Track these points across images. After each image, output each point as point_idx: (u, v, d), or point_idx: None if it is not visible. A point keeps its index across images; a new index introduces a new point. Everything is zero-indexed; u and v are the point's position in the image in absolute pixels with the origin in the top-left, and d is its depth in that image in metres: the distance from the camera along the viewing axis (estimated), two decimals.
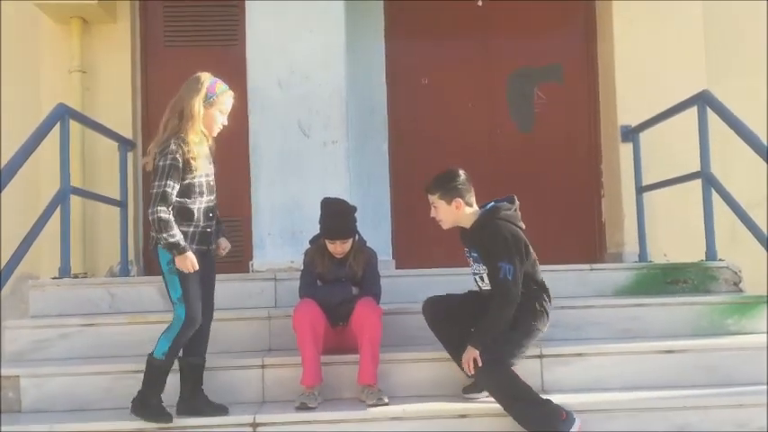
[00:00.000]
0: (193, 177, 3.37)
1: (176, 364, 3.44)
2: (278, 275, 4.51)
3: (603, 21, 5.92)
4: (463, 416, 3.49)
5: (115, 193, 5.33)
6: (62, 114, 4.50)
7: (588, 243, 5.95)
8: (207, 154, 3.47)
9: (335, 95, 4.84)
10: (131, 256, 5.51)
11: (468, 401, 3.62)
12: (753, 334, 4.09)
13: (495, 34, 6.04)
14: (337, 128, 4.83)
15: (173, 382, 3.43)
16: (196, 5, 5.98)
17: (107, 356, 3.93)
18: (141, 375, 3.52)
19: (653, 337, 4.04)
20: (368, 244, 4.00)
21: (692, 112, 4.67)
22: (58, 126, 4.47)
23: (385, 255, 5.29)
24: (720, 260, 4.64)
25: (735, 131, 4.29)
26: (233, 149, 5.46)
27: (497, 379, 3.40)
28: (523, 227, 3.60)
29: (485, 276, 3.57)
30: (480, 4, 6.02)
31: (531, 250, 3.57)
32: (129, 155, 5.52)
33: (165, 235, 3.24)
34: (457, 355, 3.67)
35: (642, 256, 5.26)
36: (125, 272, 5.31)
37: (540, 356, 3.77)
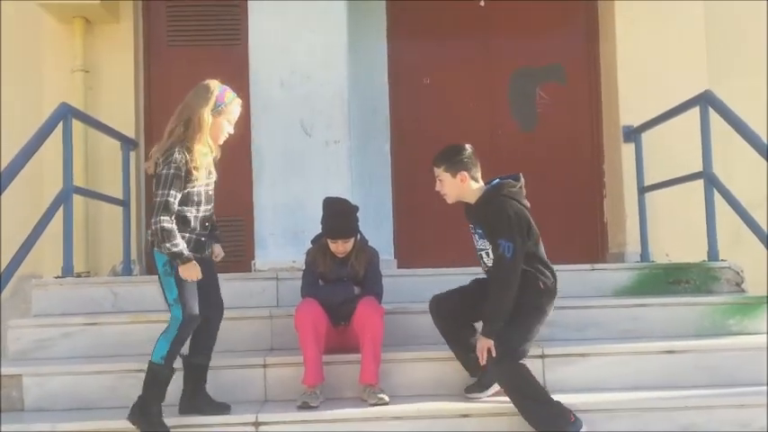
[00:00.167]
0: (193, 186, 3.35)
1: (180, 362, 3.43)
2: (280, 275, 4.51)
3: (605, 21, 5.92)
4: (465, 415, 3.50)
5: (118, 193, 5.33)
6: (65, 114, 4.51)
7: (590, 243, 5.95)
8: (210, 164, 3.44)
9: (337, 95, 4.85)
10: (134, 255, 5.52)
11: (469, 401, 3.62)
12: (755, 334, 4.09)
13: (496, 34, 6.04)
14: (339, 127, 4.83)
15: (176, 379, 3.42)
16: (198, 5, 5.99)
17: (109, 356, 3.94)
18: (144, 375, 3.53)
19: (655, 338, 4.04)
20: (370, 243, 4.00)
21: (695, 112, 4.67)
22: (60, 125, 4.48)
23: (387, 254, 5.29)
24: (722, 260, 4.64)
25: (737, 131, 4.29)
26: (235, 149, 5.46)
27: (511, 374, 3.38)
28: (528, 205, 3.57)
29: (490, 252, 3.53)
30: (482, 4, 6.02)
31: (535, 229, 3.53)
32: (132, 154, 5.52)
33: (168, 245, 3.23)
34: (462, 355, 3.67)
35: (644, 256, 5.26)
36: (128, 271, 5.32)
37: (542, 356, 3.77)
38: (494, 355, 3.37)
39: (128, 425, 3.29)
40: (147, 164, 3.48)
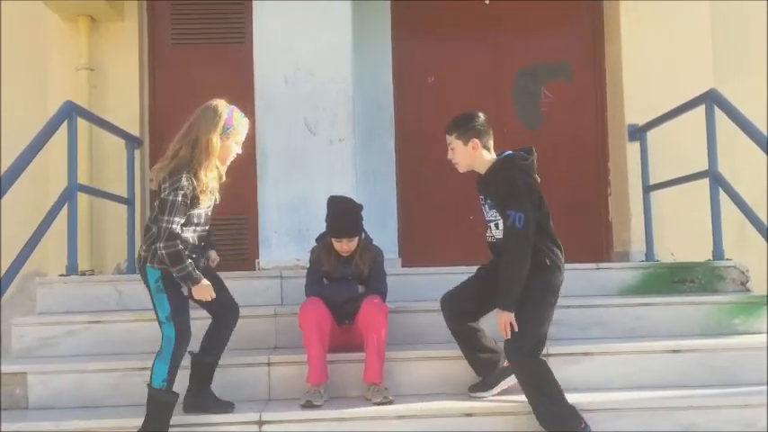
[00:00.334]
0: (195, 209, 3.32)
1: (187, 359, 3.41)
2: (284, 273, 4.51)
3: (611, 20, 5.91)
4: (469, 414, 3.49)
5: (122, 191, 5.34)
6: (70, 112, 4.52)
7: (595, 242, 5.94)
8: (215, 188, 3.39)
9: (342, 93, 4.84)
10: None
11: (474, 400, 3.62)
12: (760, 334, 4.08)
13: (501, 33, 6.03)
14: (344, 126, 4.83)
15: (182, 376, 3.40)
16: (203, 4, 5.99)
17: (114, 353, 3.94)
18: (148, 372, 3.53)
19: (659, 337, 4.03)
20: (374, 242, 4.00)
21: (700, 111, 4.66)
22: (65, 123, 4.48)
23: (391, 253, 5.29)
24: (728, 260, 4.62)
25: (743, 130, 4.27)
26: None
27: (533, 369, 3.36)
28: (539, 179, 3.51)
29: (500, 224, 3.46)
30: (487, 2, 6.01)
31: (546, 203, 3.47)
32: (137, 152, 5.53)
33: (176, 269, 3.22)
34: (470, 354, 3.65)
35: (649, 255, 5.24)
36: (132, 269, 5.31)
37: (546, 355, 3.73)
38: (515, 329, 3.32)
39: (132, 422, 3.28)
40: (150, 181, 3.43)
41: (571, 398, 3.43)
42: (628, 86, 5.67)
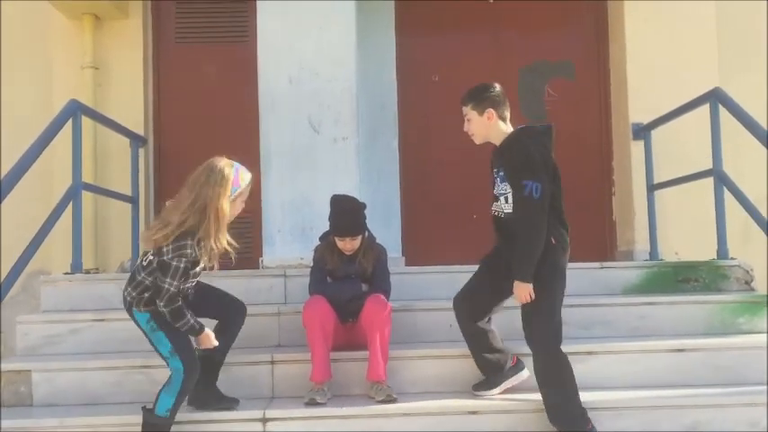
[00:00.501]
0: (193, 269, 3.31)
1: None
2: (288, 272, 4.51)
3: (615, 18, 5.89)
4: (473, 412, 3.49)
5: (126, 189, 5.35)
6: (74, 110, 4.52)
7: (599, 241, 5.93)
8: (216, 254, 3.34)
9: (346, 92, 4.84)
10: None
11: (478, 398, 3.62)
12: (765, 333, 4.06)
13: (505, 32, 6.02)
14: (348, 124, 4.83)
15: None
16: (207, 2, 5.99)
17: (117, 351, 3.95)
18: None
19: (663, 336, 4.03)
20: (377, 241, 4.00)
21: (704, 109, 4.64)
22: (70, 122, 4.49)
23: (395, 251, 5.29)
24: (732, 259, 4.61)
25: (747, 129, 4.26)
26: (243, 146, 5.50)
27: (553, 361, 3.33)
28: (553, 157, 3.44)
29: (509, 197, 3.41)
30: (491, 0, 6.00)
31: (560, 180, 3.41)
32: (141, 151, 5.54)
33: (180, 324, 3.26)
34: (478, 354, 3.64)
35: (653, 254, 5.23)
36: None
37: None
38: (532, 297, 3.29)
39: (135, 420, 3.29)
40: (144, 242, 3.35)
41: None
42: (632, 85, 5.66)
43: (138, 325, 3.35)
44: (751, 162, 5.30)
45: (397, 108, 5.83)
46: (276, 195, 4.80)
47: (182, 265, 3.21)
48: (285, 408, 3.53)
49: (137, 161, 5.42)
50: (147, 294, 3.29)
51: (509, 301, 3.59)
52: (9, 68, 5.87)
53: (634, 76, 5.68)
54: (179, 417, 3.34)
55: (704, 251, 4.76)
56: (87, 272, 4.90)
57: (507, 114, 3.54)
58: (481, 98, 3.51)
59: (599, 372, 3.75)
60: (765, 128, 4.25)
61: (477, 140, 3.59)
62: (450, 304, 4.02)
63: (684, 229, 5.38)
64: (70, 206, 4.48)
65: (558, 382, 3.33)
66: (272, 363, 3.79)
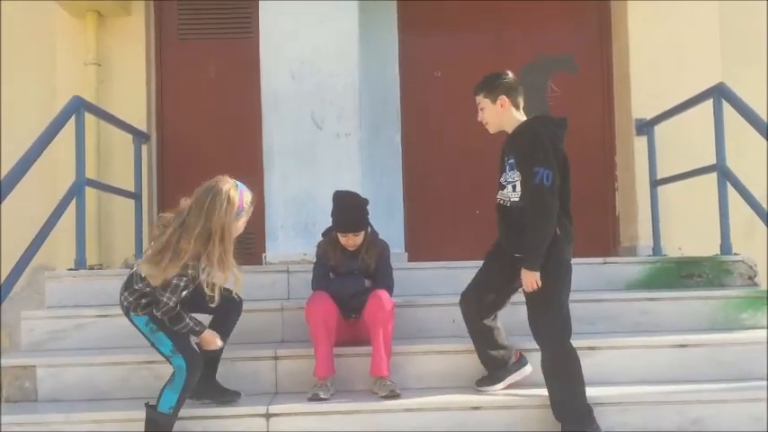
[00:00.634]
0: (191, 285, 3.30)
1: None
2: (291, 267, 4.52)
3: (619, 12, 5.88)
4: (476, 408, 3.49)
5: (130, 186, 5.36)
6: (77, 107, 4.53)
7: (602, 236, 5.93)
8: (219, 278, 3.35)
9: (349, 87, 4.84)
10: (146, 247, 5.54)
11: (481, 394, 3.62)
12: (765, 329, 4.06)
13: (508, 27, 6.01)
14: (350, 119, 4.83)
15: None
16: None
17: (122, 347, 3.95)
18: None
19: (666, 332, 4.02)
20: (380, 236, 4.00)
21: (708, 105, 4.64)
22: (73, 118, 4.50)
23: (397, 247, 5.30)
24: (735, 254, 4.61)
25: (751, 124, 4.25)
26: (246, 141, 5.52)
27: (562, 356, 3.32)
28: (564, 149, 3.41)
29: (517, 185, 3.38)
30: None
31: (569, 168, 3.38)
32: (144, 147, 5.56)
33: (178, 327, 3.28)
34: (483, 351, 3.63)
35: (656, 249, 5.23)
36: None
37: None
38: (539, 284, 3.28)
39: (140, 415, 3.30)
40: (154, 277, 3.23)
41: None
42: (635, 79, 5.65)
43: (137, 327, 3.37)
44: (754, 158, 5.29)
45: (400, 103, 5.82)
46: (279, 191, 4.80)
47: (182, 284, 3.22)
48: (288, 403, 3.53)
49: (140, 157, 5.43)
50: (144, 300, 3.30)
51: (515, 297, 3.59)
52: (11, 66, 5.88)
53: (637, 70, 5.66)
54: (182, 413, 3.34)
55: (707, 246, 4.75)
56: (91, 268, 4.91)
57: (521, 102, 3.51)
58: (493, 86, 3.48)
59: (602, 367, 3.75)
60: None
61: (492, 129, 3.56)
62: (454, 300, 4.02)
63: (688, 224, 5.38)
64: (74, 202, 4.50)
65: (565, 377, 3.32)
66: (276, 358, 3.80)
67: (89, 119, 4.85)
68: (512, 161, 3.44)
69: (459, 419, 3.48)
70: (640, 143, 5.48)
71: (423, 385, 3.75)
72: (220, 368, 3.59)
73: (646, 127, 5.39)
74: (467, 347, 3.76)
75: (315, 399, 3.52)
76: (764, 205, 4.39)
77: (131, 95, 5.75)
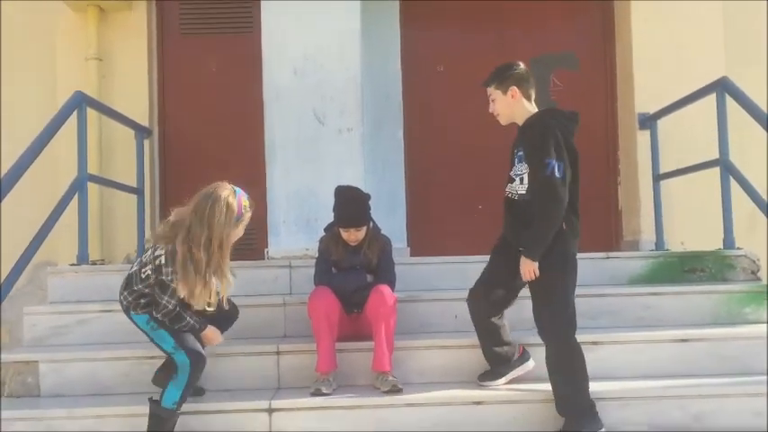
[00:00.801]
0: None
1: None
2: (293, 263, 4.52)
3: (622, 12, 5.85)
4: (478, 403, 3.50)
5: (132, 181, 5.36)
6: (79, 102, 4.53)
7: (604, 231, 5.92)
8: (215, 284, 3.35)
9: (351, 82, 4.84)
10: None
11: (483, 389, 3.62)
12: (765, 323, 4.05)
13: (510, 25, 5.99)
14: (352, 115, 4.82)
15: None
16: None
17: (124, 342, 3.96)
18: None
19: (669, 326, 4.02)
20: (382, 231, 4.00)
21: (711, 99, 4.62)
22: (75, 114, 4.49)
23: (400, 242, 5.29)
24: (738, 249, 4.60)
25: (754, 119, 4.24)
26: (249, 136, 5.51)
27: (567, 351, 3.31)
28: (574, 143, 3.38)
29: (525, 178, 3.36)
30: None
31: (578, 163, 3.35)
32: (146, 142, 5.55)
33: (179, 326, 3.30)
34: (488, 347, 3.63)
35: (659, 244, 5.22)
36: None
37: None
38: (536, 274, 3.28)
39: (142, 410, 3.30)
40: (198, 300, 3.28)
41: None
42: (638, 73, 5.63)
43: (138, 326, 3.38)
44: (757, 153, 5.28)
45: (402, 98, 5.81)
46: (281, 186, 4.80)
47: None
48: (291, 398, 3.54)
49: (142, 152, 5.43)
50: (143, 300, 3.32)
51: (521, 292, 3.58)
52: (12, 61, 5.87)
53: (640, 64, 5.64)
54: (186, 407, 3.35)
55: (710, 241, 4.74)
56: (94, 263, 4.92)
57: (532, 93, 3.49)
58: (504, 77, 3.46)
59: (604, 362, 3.75)
60: None
61: (503, 121, 3.53)
62: (456, 295, 4.03)
63: (690, 218, 5.36)
64: (76, 198, 4.50)
65: (569, 372, 3.32)
66: (278, 353, 3.80)
67: (91, 114, 4.85)
68: (521, 153, 3.43)
69: (461, 414, 3.48)
70: (643, 138, 5.47)
71: (425, 380, 3.76)
72: (223, 363, 3.59)
73: (648, 121, 5.37)
74: (469, 342, 3.76)
75: (317, 394, 3.53)
76: (766, 199, 4.37)
77: (133, 90, 5.74)
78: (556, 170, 3.23)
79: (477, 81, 5.86)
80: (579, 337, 3.39)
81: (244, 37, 5.81)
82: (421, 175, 5.84)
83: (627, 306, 4.16)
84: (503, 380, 3.64)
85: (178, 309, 3.29)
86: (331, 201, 3.89)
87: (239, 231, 3.39)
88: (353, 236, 3.84)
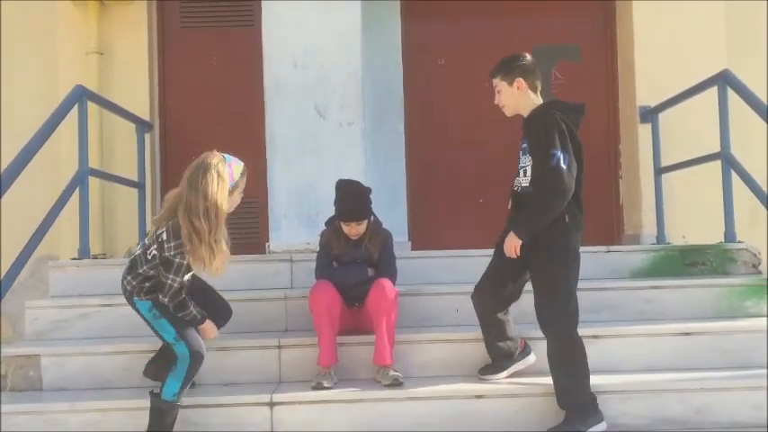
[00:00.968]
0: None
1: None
2: (294, 257, 4.52)
3: (623, 2, 5.83)
4: (479, 396, 3.50)
5: (133, 175, 5.36)
6: (80, 96, 4.53)
7: (606, 225, 5.91)
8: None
9: (352, 76, 4.83)
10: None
11: (484, 382, 3.63)
12: (765, 317, 4.05)
13: (512, 16, 5.97)
14: (353, 109, 4.82)
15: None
16: None
17: (126, 336, 3.97)
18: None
19: (670, 320, 4.02)
20: (383, 225, 4.00)
21: (712, 93, 4.61)
22: (76, 108, 4.49)
23: (401, 236, 5.29)
24: (740, 242, 4.60)
25: (756, 112, 4.23)
26: (249, 131, 5.50)
27: (568, 345, 3.30)
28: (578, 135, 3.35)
29: (528, 170, 3.35)
30: None
31: (582, 155, 3.33)
32: (147, 136, 5.55)
33: (182, 314, 3.30)
34: (492, 341, 3.62)
35: (660, 237, 5.22)
36: None
37: None
38: (518, 253, 3.29)
39: (144, 403, 3.31)
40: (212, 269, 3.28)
41: None
42: (639, 66, 5.62)
43: (140, 313, 3.37)
44: (758, 146, 5.27)
45: (403, 92, 5.80)
46: (282, 180, 4.80)
47: (185, 262, 3.24)
48: (292, 392, 3.54)
49: (143, 146, 5.43)
50: (147, 284, 3.31)
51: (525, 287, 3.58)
52: (12, 55, 5.86)
53: (641, 57, 5.63)
54: (187, 401, 3.36)
55: (711, 234, 4.74)
56: (95, 257, 4.92)
57: (538, 85, 3.47)
58: (510, 68, 3.44)
59: (606, 355, 3.75)
60: None
61: (508, 112, 3.51)
62: (457, 288, 4.05)
63: (692, 212, 5.36)
64: (77, 192, 4.50)
65: (571, 366, 3.31)
66: (279, 347, 3.80)
67: (92, 108, 4.85)
68: (525, 146, 3.42)
69: (462, 408, 3.48)
70: (644, 131, 5.46)
71: (426, 374, 3.76)
72: (225, 356, 3.59)
73: (650, 114, 5.36)
74: (470, 336, 3.76)
75: (318, 387, 3.53)
76: (767, 192, 4.37)
77: (134, 84, 5.73)
78: (561, 161, 3.21)
79: (478, 74, 5.88)
80: (580, 331, 3.39)
81: (245, 30, 5.80)
82: (422, 168, 5.84)
83: (628, 300, 4.16)
84: (504, 374, 3.65)
85: (184, 294, 3.28)
86: (332, 195, 3.89)
87: (236, 198, 3.40)
88: (355, 230, 3.83)
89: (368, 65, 5.09)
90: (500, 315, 3.60)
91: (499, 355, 3.65)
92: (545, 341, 3.43)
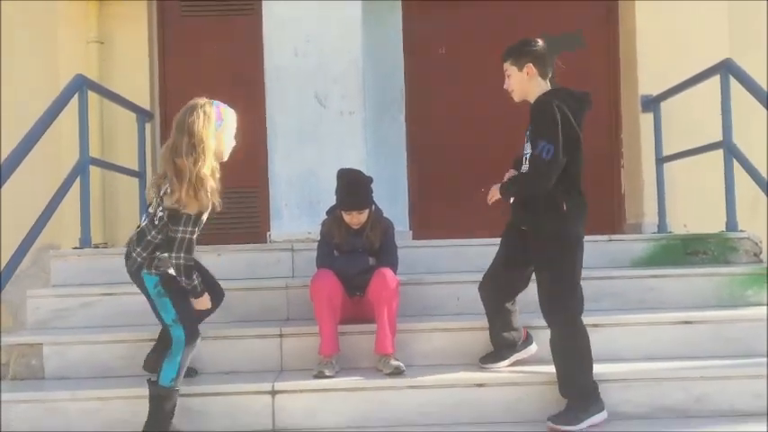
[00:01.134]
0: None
1: None
2: (295, 246, 4.52)
3: None
4: (480, 385, 3.51)
5: (133, 164, 5.36)
6: (80, 85, 4.52)
7: (607, 214, 5.90)
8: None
9: (352, 65, 4.81)
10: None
11: (485, 371, 3.63)
12: (765, 306, 4.06)
13: (514, 4, 5.94)
14: (354, 98, 4.80)
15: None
16: None
17: (127, 325, 3.98)
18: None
19: (671, 308, 4.02)
20: (385, 214, 4.00)
21: (715, 82, 4.59)
22: (76, 97, 4.48)
23: (402, 225, 5.29)
24: (741, 231, 4.59)
25: (758, 101, 4.21)
26: (250, 119, 5.48)
27: (572, 333, 3.30)
28: (578, 123, 3.33)
29: (528, 157, 3.36)
30: None
31: (581, 143, 3.33)
32: (147, 126, 5.54)
33: (187, 281, 3.26)
34: (496, 331, 3.63)
35: (662, 226, 5.22)
36: None
37: None
38: (493, 199, 3.41)
39: (145, 392, 3.31)
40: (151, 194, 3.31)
41: None
42: (641, 55, 5.60)
43: (145, 288, 3.32)
44: (759, 136, 5.25)
45: (405, 81, 5.78)
46: (283, 169, 4.79)
47: (192, 214, 3.20)
48: (294, 380, 3.55)
49: (143, 136, 5.42)
50: (158, 253, 3.25)
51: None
52: (15, 43, 5.85)
53: (644, 46, 5.61)
54: (188, 389, 3.37)
55: (713, 223, 4.73)
56: (96, 246, 4.93)
57: (549, 72, 3.45)
58: (521, 53, 3.42)
59: (607, 344, 3.74)
60: None
61: (516, 98, 3.50)
62: (458, 278, 4.06)
63: (693, 201, 5.36)
64: (78, 181, 4.50)
65: (573, 354, 3.31)
66: (281, 336, 3.81)
67: (92, 98, 4.84)
68: (528, 133, 3.42)
69: (463, 396, 3.49)
70: (646, 120, 5.44)
71: (427, 362, 3.77)
72: (226, 345, 3.59)
73: (652, 104, 5.34)
74: (472, 325, 3.77)
75: (320, 376, 3.54)
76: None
77: (134, 73, 5.72)
78: (543, 152, 3.21)
79: (479, 64, 5.89)
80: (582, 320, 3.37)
81: (245, 19, 5.78)
82: (423, 158, 5.82)
83: (629, 288, 4.16)
84: (505, 362, 3.65)
85: (194, 260, 3.25)
86: (333, 184, 3.88)
87: (225, 141, 3.36)
88: (356, 219, 3.83)
89: (369, 54, 5.07)
90: (507, 305, 3.60)
91: (502, 345, 3.66)
92: (546, 330, 3.42)
